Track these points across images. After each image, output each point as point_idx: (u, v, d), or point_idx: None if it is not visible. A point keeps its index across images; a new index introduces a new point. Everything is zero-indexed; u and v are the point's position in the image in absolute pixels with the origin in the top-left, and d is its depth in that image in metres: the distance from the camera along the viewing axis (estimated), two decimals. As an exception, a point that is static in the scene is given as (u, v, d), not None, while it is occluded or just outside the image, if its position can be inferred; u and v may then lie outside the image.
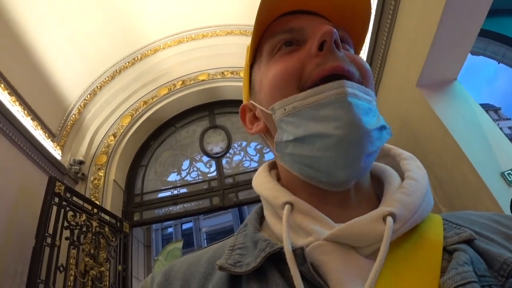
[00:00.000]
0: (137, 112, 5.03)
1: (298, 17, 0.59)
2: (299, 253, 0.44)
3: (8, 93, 3.48)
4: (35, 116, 3.88)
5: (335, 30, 0.52)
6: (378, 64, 3.67)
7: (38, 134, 3.88)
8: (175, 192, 4.83)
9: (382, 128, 0.52)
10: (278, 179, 0.61)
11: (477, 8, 2.67)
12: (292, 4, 0.59)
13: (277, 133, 0.54)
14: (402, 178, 0.56)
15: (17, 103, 3.59)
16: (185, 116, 5.47)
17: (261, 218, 0.60)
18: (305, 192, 0.55)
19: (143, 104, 5.09)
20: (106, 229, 3.78)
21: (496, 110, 28.28)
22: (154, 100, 5.14)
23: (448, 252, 0.45)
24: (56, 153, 4.18)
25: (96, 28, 4.34)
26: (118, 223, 4.01)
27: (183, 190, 4.84)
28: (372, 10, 3.40)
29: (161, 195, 4.85)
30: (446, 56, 2.98)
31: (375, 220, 0.46)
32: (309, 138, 0.49)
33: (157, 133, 5.35)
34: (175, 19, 4.91)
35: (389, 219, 0.45)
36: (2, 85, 3.41)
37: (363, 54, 3.85)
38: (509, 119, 27.78)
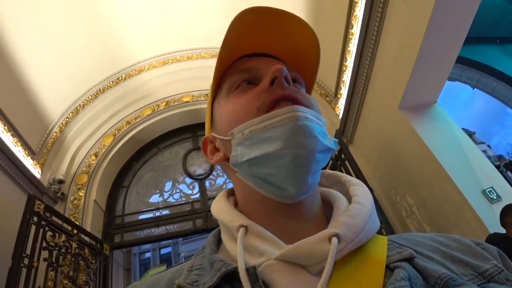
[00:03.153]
0: (120, 132, 4.99)
1: (256, 59, 0.66)
2: (252, 272, 0.47)
3: (-12, 109, 3.41)
4: (15, 133, 3.81)
5: (284, 68, 0.58)
6: (360, 89, 3.75)
7: (18, 151, 3.80)
8: (157, 213, 4.76)
9: (328, 150, 0.57)
10: (235, 205, 0.66)
11: (455, 35, 2.78)
12: (250, 47, 0.66)
13: (231, 156, 0.58)
14: (350, 202, 0.61)
15: (-3, 118, 3.52)
16: (168, 137, 5.44)
17: (218, 241, 0.63)
18: (261, 210, 0.59)
19: (126, 124, 5.05)
20: (86, 250, 3.67)
21: (470, 134, 29.13)
22: (137, 120, 5.12)
23: (390, 269, 0.49)
24: (36, 171, 4.09)
25: (81, 46, 4.34)
26: (98, 245, 3.90)
27: (166, 212, 4.77)
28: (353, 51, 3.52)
29: (142, 216, 4.77)
30: (427, 80, 3.07)
31: (321, 240, 0.50)
32: (263, 158, 0.54)
33: (140, 153, 5.30)
34: (161, 41, 4.96)
35: (334, 240, 0.49)
36: (-18, 100, 3.35)
37: (347, 78, 3.94)
38: (483, 142, 28.73)
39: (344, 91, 4.11)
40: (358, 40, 3.47)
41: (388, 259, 0.51)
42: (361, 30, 3.37)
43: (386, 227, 2.86)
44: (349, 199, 0.62)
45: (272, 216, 0.58)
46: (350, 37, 3.62)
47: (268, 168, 0.54)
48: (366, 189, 0.64)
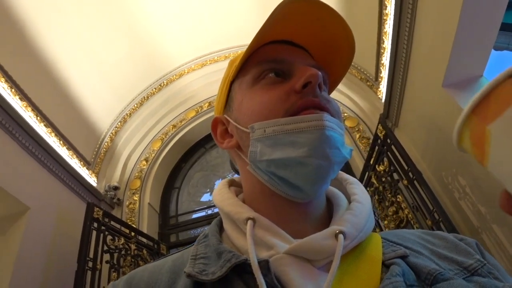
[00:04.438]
0: (167, 136, 5.15)
1: (287, 48, 0.65)
2: (264, 265, 0.48)
3: (45, 125, 3.67)
4: (70, 146, 4.06)
5: (320, 74, 0.57)
6: (401, 70, 3.64)
7: (74, 163, 4.05)
8: (209, 212, 4.85)
9: (344, 160, 0.57)
10: (236, 196, 0.66)
11: (496, 1, 2.64)
12: (284, 34, 0.65)
13: (250, 151, 0.58)
14: (348, 199, 0.64)
15: (53, 134, 3.78)
16: (214, 137, 5.53)
17: (220, 230, 0.64)
18: (269, 204, 0.60)
19: (172, 128, 5.21)
20: (144, 251, 3.83)
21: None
22: (182, 123, 5.26)
23: (386, 266, 0.52)
24: (92, 180, 4.33)
25: (121, 57, 4.54)
26: (156, 245, 4.06)
27: (217, 209, 4.85)
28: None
29: (195, 215, 4.88)
30: (470, 53, 2.93)
31: (328, 237, 0.52)
32: (285, 161, 0.54)
33: (188, 155, 5.43)
34: (197, 43, 5.07)
35: (341, 237, 0.51)
36: (38, 117, 3.61)
37: (386, 60, 3.84)
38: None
39: (384, 74, 4.00)
40: (394, 20, 3.37)
41: (384, 256, 0.53)
42: (395, 9, 3.27)
43: (439, 211, 2.77)
44: (347, 197, 0.65)
45: (279, 210, 0.59)
46: (384, 18, 3.52)
47: (288, 172, 0.55)
48: (363, 188, 0.66)
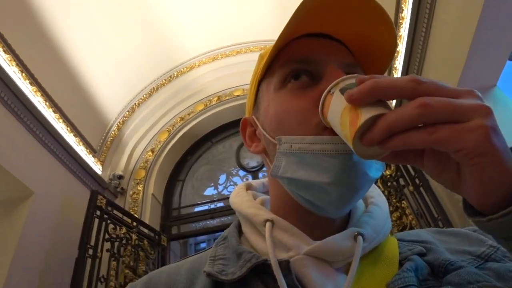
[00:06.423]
0: (174, 128, 5.15)
1: (320, 43, 0.59)
2: (285, 266, 0.48)
3: (53, 111, 3.69)
4: (77, 133, 4.08)
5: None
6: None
7: (80, 150, 4.06)
8: (212, 206, 4.85)
9: (372, 181, 0.54)
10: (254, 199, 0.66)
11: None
12: (317, 26, 0.58)
13: (274, 165, 0.55)
14: (364, 202, 0.64)
15: (61, 120, 3.79)
16: (221, 131, 5.51)
17: (239, 232, 0.63)
18: (292, 210, 0.59)
19: (180, 120, 5.21)
20: (145, 242, 3.85)
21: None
22: (190, 116, 5.25)
23: (402, 264, 0.52)
24: (97, 168, 4.35)
25: (134, 48, 4.54)
26: (157, 237, 4.07)
27: (220, 204, 4.85)
28: (403, 30, 3.38)
29: (198, 209, 4.89)
30: (484, 63, 2.89)
31: (347, 239, 0.52)
32: (306, 184, 0.52)
33: (194, 148, 5.43)
34: (209, 37, 5.04)
35: (360, 239, 0.51)
36: (47, 103, 3.62)
37: (399, 64, 3.80)
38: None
39: (396, 78, 3.96)
40: (409, 25, 3.32)
41: (401, 255, 0.53)
42: (411, 14, 3.23)
43: (443, 219, 2.75)
44: (363, 199, 0.64)
45: (301, 217, 0.58)
46: (400, 21, 3.47)
47: (309, 194, 0.53)
48: (379, 191, 0.66)
